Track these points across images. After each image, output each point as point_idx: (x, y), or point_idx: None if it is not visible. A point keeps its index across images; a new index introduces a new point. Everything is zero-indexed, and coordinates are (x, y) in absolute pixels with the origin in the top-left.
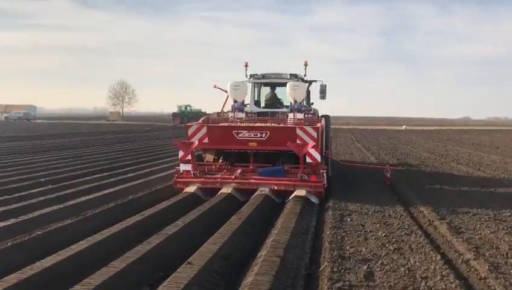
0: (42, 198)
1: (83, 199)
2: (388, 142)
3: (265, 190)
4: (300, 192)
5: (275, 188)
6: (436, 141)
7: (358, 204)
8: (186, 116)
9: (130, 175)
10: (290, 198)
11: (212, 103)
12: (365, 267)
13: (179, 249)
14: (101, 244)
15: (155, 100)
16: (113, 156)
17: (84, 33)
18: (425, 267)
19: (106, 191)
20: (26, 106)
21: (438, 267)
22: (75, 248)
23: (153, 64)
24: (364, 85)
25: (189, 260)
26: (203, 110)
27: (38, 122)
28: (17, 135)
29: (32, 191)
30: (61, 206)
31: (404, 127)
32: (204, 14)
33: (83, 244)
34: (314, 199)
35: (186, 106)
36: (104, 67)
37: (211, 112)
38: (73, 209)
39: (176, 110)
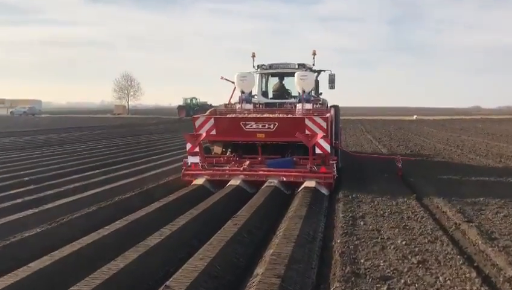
0: (19, 200)
1: (62, 201)
2: (399, 133)
3: (274, 182)
4: (310, 183)
5: (284, 179)
6: (449, 131)
7: (371, 204)
8: (191, 108)
9: (122, 172)
10: (300, 189)
11: (220, 95)
12: (385, 288)
13: (163, 263)
14: (68, 260)
15: (163, 93)
16: (109, 151)
17: (93, 27)
18: (459, 289)
19: (91, 192)
20: (32, 101)
21: (475, 288)
22: (34, 266)
23: (161, 57)
24: (373, 75)
25: (167, 283)
26: (208, 103)
27: (43, 116)
28: (14, 131)
29: (12, 191)
30: (36, 210)
31: (415, 117)
32: (212, 6)
33: (45, 260)
34: (324, 190)
35: (191, 99)
36: (112, 61)
37: (217, 104)
38: (48, 215)
39: (181, 103)
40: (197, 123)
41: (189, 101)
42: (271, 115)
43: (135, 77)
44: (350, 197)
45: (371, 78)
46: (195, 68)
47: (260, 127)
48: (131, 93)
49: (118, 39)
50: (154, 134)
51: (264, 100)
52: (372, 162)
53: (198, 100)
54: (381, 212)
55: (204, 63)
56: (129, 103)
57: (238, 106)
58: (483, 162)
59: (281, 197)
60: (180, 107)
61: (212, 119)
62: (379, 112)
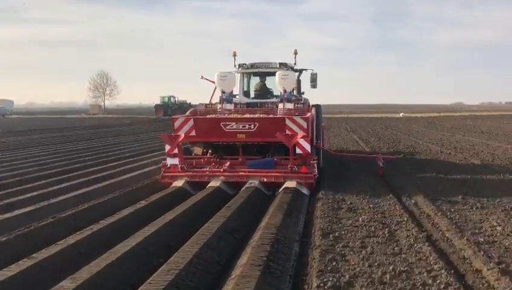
0: None
1: None
2: (387, 133)
3: (254, 183)
4: (291, 183)
5: (265, 180)
6: (439, 130)
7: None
8: (170, 108)
9: (72, 183)
10: (280, 190)
11: (201, 94)
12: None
13: (130, 275)
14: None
15: (148, 92)
16: (65, 157)
17: (76, 26)
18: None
19: (30, 208)
20: (2, 101)
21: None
22: None
23: (145, 56)
24: (357, 73)
25: None
26: (188, 102)
27: (13, 117)
28: None
29: None
30: None
31: (401, 114)
32: (197, 4)
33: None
34: (305, 191)
35: (169, 97)
36: (95, 60)
37: (196, 103)
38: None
39: (159, 101)
40: (177, 124)
41: (166, 99)
42: (251, 115)
43: (112, 75)
44: (331, 197)
45: (356, 76)
46: (180, 67)
47: (241, 127)
48: (108, 92)
49: (101, 38)
50: (122, 136)
51: (245, 100)
52: (354, 162)
53: (176, 99)
54: (360, 211)
55: (188, 62)
56: (108, 102)
57: (218, 106)
58: (496, 170)
59: (262, 198)
60: (157, 106)
61: (192, 119)
62: (364, 109)
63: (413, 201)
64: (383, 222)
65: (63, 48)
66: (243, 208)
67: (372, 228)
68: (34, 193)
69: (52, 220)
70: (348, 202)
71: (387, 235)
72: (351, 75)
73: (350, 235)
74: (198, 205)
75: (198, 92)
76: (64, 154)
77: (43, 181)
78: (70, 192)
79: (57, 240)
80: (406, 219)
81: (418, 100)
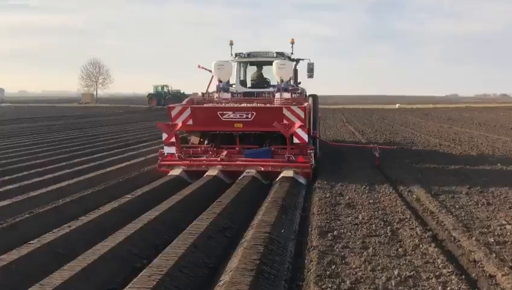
0: None
1: None
2: (383, 124)
3: (252, 172)
4: (288, 173)
5: (262, 169)
6: (436, 121)
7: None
8: (163, 97)
9: (55, 175)
10: (278, 179)
11: (195, 84)
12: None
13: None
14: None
15: (139, 81)
16: (51, 147)
17: (69, 13)
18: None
19: (6, 202)
20: None
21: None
22: None
23: (137, 45)
24: (352, 63)
25: None
26: (181, 91)
27: (4, 106)
28: None
29: None
30: None
31: (397, 105)
32: None
33: None
34: (302, 180)
35: (163, 86)
36: (89, 48)
37: (190, 93)
38: None
39: (152, 90)
40: (173, 113)
41: (160, 89)
42: (248, 105)
43: (104, 64)
44: (328, 191)
45: (351, 67)
46: (174, 56)
47: (238, 116)
48: (100, 81)
49: (94, 26)
50: (113, 125)
51: (242, 89)
52: (351, 152)
53: (170, 88)
54: (357, 200)
55: (183, 51)
56: (101, 92)
57: (215, 95)
58: (496, 163)
59: (258, 187)
60: (150, 96)
61: (189, 108)
62: (360, 100)
63: (414, 196)
64: (385, 219)
65: (56, 36)
66: (236, 201)
67: (373, 226)
68: (14, 186)
69: (28, 216)
70: (346, 197)
71: (389, 234)
72: (346, 66)
73: (350, 234)
74: (193, 195)
75: (193, 82)
76: (50, 144)
77: (25, 172)
78: (50, 185)
79: (31, 238)
80: (408, 216)
81: (413, 91)
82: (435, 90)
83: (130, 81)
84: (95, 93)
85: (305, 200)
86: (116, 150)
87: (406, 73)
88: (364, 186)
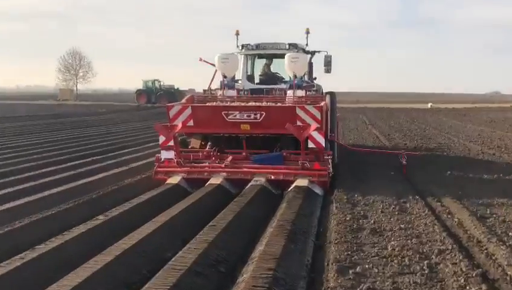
0: None
1: None
2: (413, 127)
3: (260, 180)
4: (302, 182)
5: (272, 177)
6: (476, 124)
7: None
8: (154, 94)
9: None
10: (290, 189)
11: (194, 79)
12: None
13: None
14: None
15: (127, 75)
16: (12, 154)
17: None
18: None
19: None
20: None
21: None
22: None
23: (125, 33)
24: (377, 55)
25: None
26: (175, 87)
27: None
28: None
29: None
30: None
31: (429, 105)
32: None
33: None
34: (317, 190)
35: (153, 81)
36: (68, 37)
37: (186, 89)
38: None
39: (141, 86)
40: (172, 112)
41: (150, 84)
42: (257, 104)
43: (86, 55)
44: (348, 211)
45: (374, 59)
46: (169, 46)
47: (245, 117)
48: (81, 74)
49: (75, 10)
50: (93, 127)
51: (249, 86)
52: (374, 160)
53: (162, 83)
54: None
55: (179, 41)
56: (82, 87)
57: (219, 92)
58: None
59: (268, 199)
60: (139, 92)
61: (190, 107)
62: (385, 98)
63: (456, 219)
64: (420, 250)
65: (31, 23)
66: (235, 223)
67: (406, 259)
68: None
69: None
70: (371, 220)
71: (427, 271)
72: (369, 58)
73: (376, 270)
74: (188, 211)
75: (189, 77)
76: (14, 150)
77: None
78: (8, 202)
79: None
80: (450, 247)
81: (448, 88)
82: (474, 87)
83: (117, 75)
84: (75, 88)
85: (319, 223)
86: (93, 158)
87: (439, 66)
88: (393, 206)
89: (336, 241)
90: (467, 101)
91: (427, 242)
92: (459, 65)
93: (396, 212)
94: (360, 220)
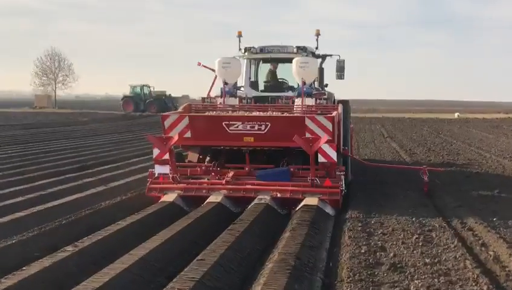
0: None
1: None
2: (438, 140)
3: (265, 198)
4: (312, 200)
5: (278, 195)
6: (511, 137)
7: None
8: (142, 100)
9: None
10: (298, 208)
11: (188, 85)
12: None
13: None
14: None
15: (114, 80)
16: None
17: None
18: None
19: None
20: None
21: None
22: None
23: (111, 33)
24: (397, 57)
25: None
26: (167, 93)
27: None
28: None
29: None
30: None
31: (457, 115)
32: None
33: None
34: (329, 210)
35: (142, 87)
36: (47, 36)
37: (179, 96)
38: None
39: (128, 92)
40: (167, 122)
41: (138, 90)
42: (262, 113)
43: (66, 56)
44: (364, 242)
45: (394, 62)
46: (161, 48)
47: (248, 128)
48: (60, 78)
49: (53, 6)
50: (72, 139)
51: (252, 93)
52: (392, 178)
53: (152, 89)
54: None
55: (173, 41)
56: (63, 93)
57: (219, 100)
58: None
59: (271, 222)
60: (126, 99)
61: (187, 117)
62: (405, 107)
63: (491, 253)
64: None
65: (5, 20)
66: (229, 256)
67: None
68: None
69: None
70: (391, 253)
71: None
72: (387, 61)
73: None
74: (186, 232)
75: (183, 82)
76: None
77: None
78: None
79: None
80: (485, 288)
81: (477, 96)
82: (507, 94)
83: (103, 79)
84: (53, 94)
85: (329, 255)
86: (66, 176)
87: (467, 71)
88: (416, 236)
89: (349, 280)
90: (499, 110)
91: (457, 281)
92: (491, 69)
93: (420, 243)
94: (378, 253)
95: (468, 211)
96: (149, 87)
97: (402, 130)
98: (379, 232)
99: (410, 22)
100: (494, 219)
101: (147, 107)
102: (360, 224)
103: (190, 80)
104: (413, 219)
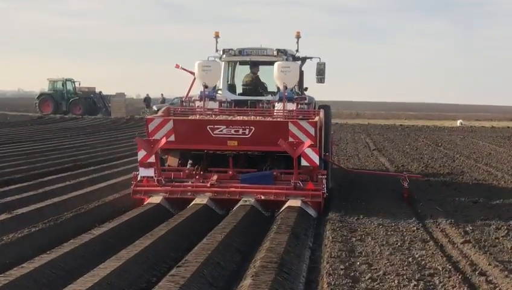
0: None
1: None
2: (438, 154)
3: (250, 200)
4: (295, 202)
5: (262, 197)
6: None
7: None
8: (65, 99)
9: None
10: (282, 210)
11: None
12: None
13: None
14: None
15: (31, 73)
16: None
17: None
18: None
19: None
20: None
21: None
22: None
23: (34, 13)
24: (385, 50)
25: None
26: (98, 91)
27: None
28: None
29: None
30: None
31: (459, 122)
32: None
33: None
34: (311, 211)
35: (64, 82)
36: None
37: (113, 94)
38: None
39: (47, 88)
40: (151, 126)
41: (60, 85)
42: (246, 118)
43: None
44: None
45: (383, 56)
46: (99, 34)
47: (232, 132)
48: None
49: None
50: None
51: (231, 96)
52: (376, 188)
53: (78, 84)
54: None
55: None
56: None
57: (198, 103)
58: None
59: (259, 219)
60: (44, 97)
61: (171, 121)
62: (396, 112)
63: None
64: None
65: None
66: (209, 265)
67: None
68: None
69: None
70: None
71: None
72: (375, 55)
73: None
74: (175, 232)
75: (120, 78)
76: None
77: None
78: None
79: None
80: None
81: (484, 99)
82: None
83: (14, 72)
84: None
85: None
86: None
87: (472, 68)
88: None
89: (329, 270)
90: (510, 117)
91: None
92: (502, 66)
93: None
94: (355, 250)
95: (479, 250)
96: (73, 82)
97: (393, 140)
98: (361, 256)
99: (400, 8)
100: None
101: (71, 107)
102: (339, 224)
103: (129, 74)
104: (410, 263)
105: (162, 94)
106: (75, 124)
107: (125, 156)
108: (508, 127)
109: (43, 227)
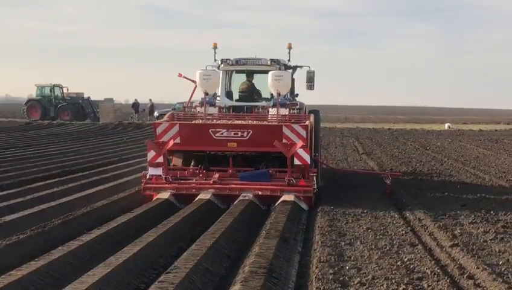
0: None
1: None
2: (426, 158)
3: (248, 196)
4: (289, 197)
5: (260, 193)
6: None
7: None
8: (53, 105)
9: None
10: (277, 204)
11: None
12: None
13: None
14: None
15: (19, 78)
16: None
17: None
18: None
19: None
20: None
21: None
22: None
23: (23, 17)
24: (373, 54)
25: None
26: (86, 96)
27: None
28: None
29: None
30: None
31: (447, 125)
32: None
33: None
34: (303, 205)
35: (52, 87)
36: None
37: (101, 99)
38: None
39: (35, 94)
40: (159, 129)
41: (48, 91)
42: (244, 122)
43: None
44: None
45: (371, 61)
46: (88, 39)
47: (232, 135)
48: None
49: None
50: None
51: (228, 103)
52: (362, 182)
53: (66, 90)
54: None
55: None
56: None
57: (199, 109)
58: None
59: (254, 216)
60: (31, 103)
61: (177, 125)
62: (384, 116)
63: None
64: None
65: None
66: (203, 267)
67: None
68: None
69: None
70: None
71: None
72: (364, 59)
73: None
74: (174, 230)
75: (109, 84)
76: None
77: None
78: None
79: None
80: None
81: (472, 103)
82: (509, 101)
83: (3, 79)
84: None
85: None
86: None
87: (460, 72)
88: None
89: (318, 252)
90: (498, 120)
91: None
92: (490, 69)
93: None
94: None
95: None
96: (61, 88)
97: (381, 144)
98: (350, 259)
99: (388, 11)
100: (503, 270)
101: (59, 113)
102: (328, 229)
103: (118, 79)
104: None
105: (150, 99)
106: (63, 130)
107: (114, 162)
108: (496, 130)
109: (31, 234)
